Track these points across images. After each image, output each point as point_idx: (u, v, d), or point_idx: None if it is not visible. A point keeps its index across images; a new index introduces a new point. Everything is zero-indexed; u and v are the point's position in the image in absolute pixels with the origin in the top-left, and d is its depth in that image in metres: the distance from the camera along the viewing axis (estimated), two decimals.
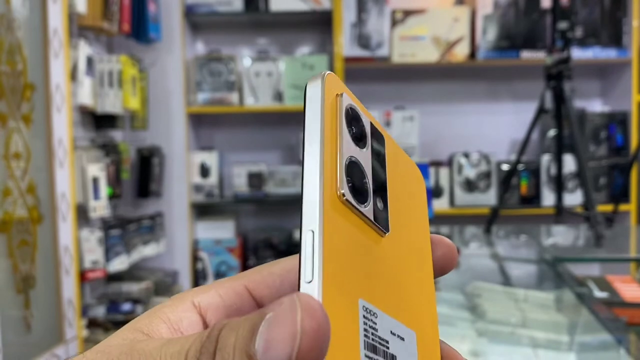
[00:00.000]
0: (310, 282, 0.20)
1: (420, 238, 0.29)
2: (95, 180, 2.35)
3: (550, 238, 2.06)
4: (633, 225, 2.91)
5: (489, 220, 1.98)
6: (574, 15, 1.97)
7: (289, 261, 0.28)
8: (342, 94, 0.25)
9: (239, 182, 3.06)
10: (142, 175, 2.88)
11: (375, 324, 0.22)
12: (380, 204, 0.25)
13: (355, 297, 0.22)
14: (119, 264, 2.48)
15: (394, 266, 0.25)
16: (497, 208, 2.00)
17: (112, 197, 2.55)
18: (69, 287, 2.18)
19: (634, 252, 1.85)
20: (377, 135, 0.27)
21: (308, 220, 0.21)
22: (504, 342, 0.96)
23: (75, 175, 2.28)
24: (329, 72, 0.25)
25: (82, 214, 2.34)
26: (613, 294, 1.17)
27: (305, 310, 0.19)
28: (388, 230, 0.25)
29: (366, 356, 0.21)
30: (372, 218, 0.24)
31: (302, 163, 0.23)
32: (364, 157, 0.25)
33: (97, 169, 2.37)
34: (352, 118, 0.25)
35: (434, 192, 3.06)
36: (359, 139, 0.25)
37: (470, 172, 3.08)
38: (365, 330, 0.21)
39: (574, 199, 2.80)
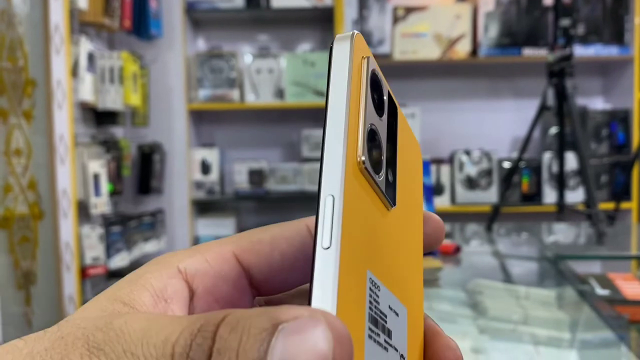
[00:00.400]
0: (327, 248, 0.19)
1: (416, 213, 0.28)
2: (96, 177, 2.36)
3: (552, 236, 2.05)
4: (634, 223, 2.90)
5: (490, 218, 1.98)
6: (576, 12, 1.97)
7: (277, 229, 0.27)
8: (368, 57, 0.24)
9: (240, 179, 3.08)
10: (143, 172, 2.89)
11: (378, 297, 0.22)
12: (390, 177, 0.25)
13: (364, 268, 0.21)
14: (120, 260, 2.49)
15: (394, 240, 0.25)
16: (498, 205, 2.00)
17: (113, 193, 2.57)
18: (70, 284, 2.19)
19: (635, 249, 1.85)
20: (392, 104, 0.27)
21: (329, 184, 0.21)
22: (505, 339, 0.96)
23: (76, 172, 2.30)
24: (357, 32, 0.24)
25: (83, 211, 2.36)
26: (614, 291, 1.18)
27: (337, 339, 0.18)
28: (395, 204, 0.25)
29: (369, 329, 0.21)
30: (384, 190, 0.24)
31: (324, 124, 0.22)
32: (382, 125, 0.25)
33: (98, 166, 2.39)
34: (375, 84, 0.25)
35: (435, 190, 3.06)
36: (378, 106, 0.25)
37: (471, 170, 3.09)
38: (369, 302, 0.21)
39: (575, 196, 2.81)
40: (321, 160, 0.21)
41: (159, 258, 0.26)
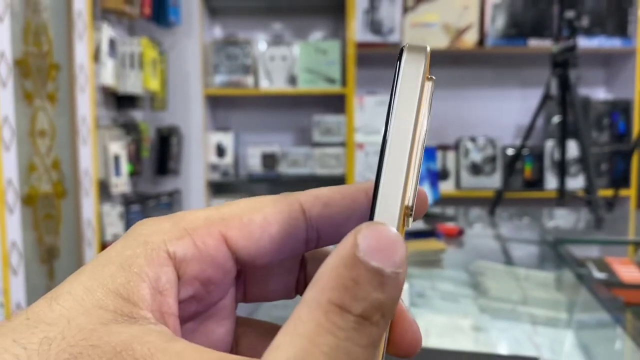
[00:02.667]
0: None
1: None
2: (116, 158, 2.38)
3: (552, 220, 2.03)
4: (632, 209, 2.90)
5: (494, 203, 1.96)
6: (580, 4, 1.95)
7: (270, 208, 0.26)
8: (432, 78, 0.23)
9: (253, 162, 3.10)
10: (161, 154, 2.91)
11: None
12: (415, 198, 0.23)
13: None
14: None
15: None
16: (501, 191, 1.98)
17: (133, 174, 2.58)
18: (91, 258, 2.21)
19: (632, 235, 1.83)
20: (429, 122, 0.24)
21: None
22: (504, 318, 0.95)
23: (98, 153, 2.30)
24: (429, 46, 0.22)
25: (103, 190, 2.37)
26: (611, 275, 1.14)
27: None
28: (409, 225, 0.24)
29: None
30: (409, 217, 0.22)
31: (383, 157, 0.21)
32: (423, 152, 0.23)
33: (118, 147, 2.40)
34: (431, 106, 0.23)
35: (441, 175, 3.07)
36: (427, 130, 0.23)
37: (476, 156, 3.10)
38: None
39: (576, 183, 2.81)
40: (375, 193, 0.21)
41: (144, 234, 0.24)
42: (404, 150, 0.21)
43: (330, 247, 0.28)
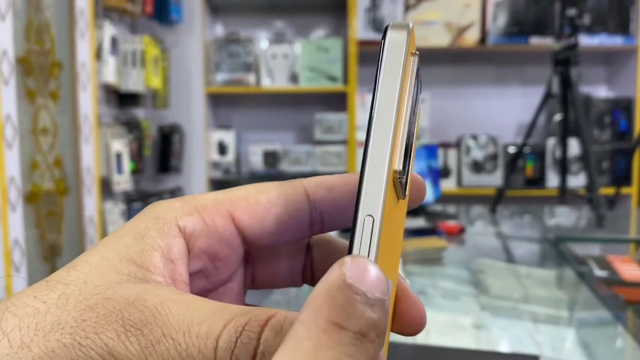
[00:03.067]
0: None
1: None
2: (118, 156, 2.38)
3: (554, 218, 2.03)
4: (634, 207, 2.90)
5: (495, 201, 1.97)
6: (582, 2, 1.95)
7: (275, 191, 0.27)
8: (417, 54, 0.23)
9: (255, 160, 3.11)
10: (163, 152, 2.91)
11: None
12: (408, 172, 0.24)
13: (385, 269, 0.21)
14: None
15: (395, 223, 0.24)
16: (502, 189, 1.99)
17: (135, 172, 2.58)
18: None
19: (634, 233, 1.84)
20: (419, 97, 0.25)
21: (369, 204, 0.21)
22: (506, 316, 0.96)
23: (100, 151, 2.30)
24: (412, 24, 0.23)
25: (105, 187, 2.37)
26: (613, 273, 1.15)
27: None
28: (405, 196, 0.25)
29: None
30: (403, 187, 0.23)
31: (370, 124, 0.22)
32: (412, 123, 0.24)
33: (120, 145, 2.40)
34: (418, 81, 0.24)
35: (442, 173, 3.08)
36: (415, 103, 0.24)
37: (477, 154, 3.11)
38: None
39: (577, 181, 2.80)
40: (364, 161, 0.21)
41: (156, 211, 0.26)
42: (389, 118, 0.21)
43: (333, 232, 0.30)
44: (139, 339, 0.20)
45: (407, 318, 0.25)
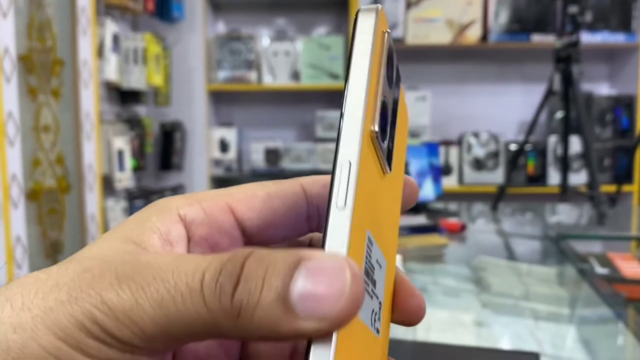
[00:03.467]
0: (343, 209, 0.21)
1: (400, 176, 0.29)
2: (120, 153, 2.39)
3: (555, 216, 2.02)
4: (635, 205, 2.90)
5: (496, 198, 1.97)
6: None
7: (273, 186, 0.28)
8: (388, 32, 0.25)
9: (257, 158, 3.11)
10: (165, 149, 2.92)
11: (371, 252, 0.23)
12: (390, 145, 0.26)
13: (365, 227, 0.23)
14: None
15: (384, 201, 0.26)
16: (504, 186, 1.99)
17: (136, 169, 2.59)
18: None
19: (635, 230, 1.85)
20: (399, 77, 0.28)
21: (347, 150, 0.22)
22: (507, 313, 0.96)
23: (102, 148, 2.31)
24: (381, 6, 0.25)
25: (107, 185, 2.38)
26: (614, 270, 1.15)
27: (354, 277, 0.19)
28: (391, 170, 0.26)
29: (364, 279, 0.22)
30: (385, 157, 0.25)
31: (345, 93, 0.23)
32: (390, 96, 0.26)
33: (122, 142, 2.41)
34: (390, 57, 0.26)
35: (444, 170, 3.07)
36: (390, 78, 0.26)
37: (479, 152, 3.11)
38: (366, 256, 0.23)
39: (578, 178, 2.78)
40: (340, 124, 0.22)
41: (159, 203, 0.27)
42: (361, 85, 0.23)
43: None
44: (130, 284, 0.21)
45: (406, 307, 0.26)
